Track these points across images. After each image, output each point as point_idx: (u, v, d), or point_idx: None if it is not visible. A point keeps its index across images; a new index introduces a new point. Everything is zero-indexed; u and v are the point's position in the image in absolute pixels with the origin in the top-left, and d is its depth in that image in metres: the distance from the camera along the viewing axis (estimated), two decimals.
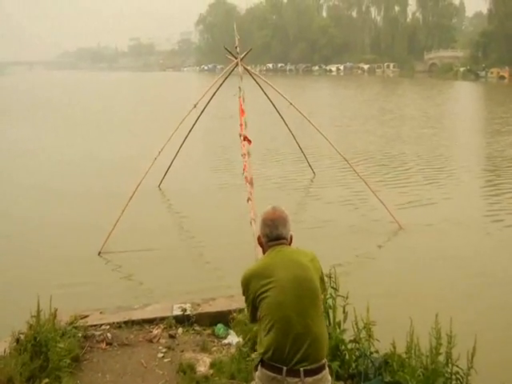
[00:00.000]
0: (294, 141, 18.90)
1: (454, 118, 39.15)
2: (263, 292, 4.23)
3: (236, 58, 15.27)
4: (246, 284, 4.35)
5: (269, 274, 4.25)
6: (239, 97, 13.52)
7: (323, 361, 4.27)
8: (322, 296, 4.54)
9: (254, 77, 16.11)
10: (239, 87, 13.71)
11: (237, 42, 15.35)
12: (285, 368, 4.13)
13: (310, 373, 4.14)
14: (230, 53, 15.60)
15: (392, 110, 44.51)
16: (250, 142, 12.51)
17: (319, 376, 4.19)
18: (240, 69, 14.83)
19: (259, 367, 4.30)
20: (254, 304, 4.39)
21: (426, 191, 17.97)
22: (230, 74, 15.70)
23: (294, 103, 14.90)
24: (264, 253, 4.49)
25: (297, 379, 4.12)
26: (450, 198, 17.26)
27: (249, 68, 15.65)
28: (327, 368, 4.31)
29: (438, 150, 25.80)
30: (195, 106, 15.49)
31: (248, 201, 11.52)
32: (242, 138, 12.67)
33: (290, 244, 4.47)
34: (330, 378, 4.34)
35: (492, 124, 34.75)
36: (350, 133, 31.36)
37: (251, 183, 11.84)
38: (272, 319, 4.20)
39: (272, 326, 4.19)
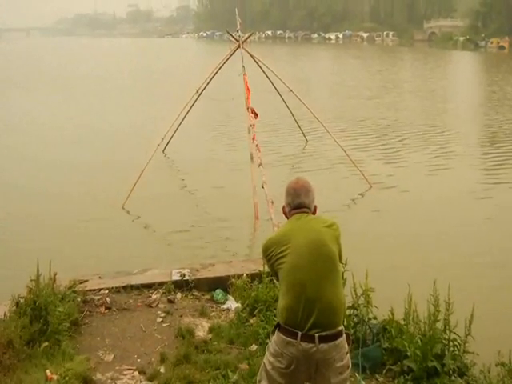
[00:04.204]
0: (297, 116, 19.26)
1: (475, 92, 38.44)
2: (281, 258, 4.26)
3: (237, 41, 15.50)
4: (266, 251, 4.39)
5: (287, 241, 4.28)
6: (244, 74, 14.26)
7: (339, 328, 4.25)
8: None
9: (256, 60, 16.25)
10: (243, 66, 14.45)
11: (238, 26, 15.66)
12: (300, 333, 4.13)
13: (325, 339, 4.14)
14: (232, 36, 15.94)
15: (407, 80, 43.98)
16: (256, 115, 13.21)
17: (335, 343, 4.18)
18: (242, 51, 15.13)
19: (276, 331, 4.32)
20: (274, 271, 4.45)
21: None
22: (230, 56, 15.84)
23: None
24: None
25: (311, 345, 4.12)
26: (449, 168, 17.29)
27: (250, 51, 15.80)
28: (344, 335, 4.29)
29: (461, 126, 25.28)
30: (197, 92, 15.77)
31: (260, 166, 12.39)
32: (249, 110, 13.32)
33: (313, 214, 4.48)
34: (346, 346, 4.31)
35: None
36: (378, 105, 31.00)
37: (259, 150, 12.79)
38: (287, 283, 4.23)
39: (287, 290, 4.22)
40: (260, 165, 12.48)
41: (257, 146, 12.81)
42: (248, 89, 13.83)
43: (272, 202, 11.12)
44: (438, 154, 18.99)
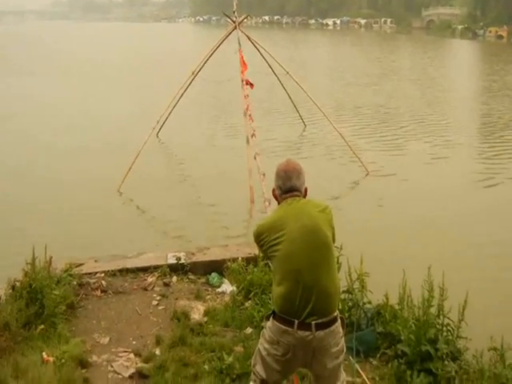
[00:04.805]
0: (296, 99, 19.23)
1: (475, 81, 38.18)
2: (274, 245, 4.20)
3: (234, 22, 15.43)
4: (258, 237, 4.34)
5: (280, 228, 4.21)
6: (239, 49, 14.22)
7: (335, 314, 4.25)
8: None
9: (253, 41, 16.22)
10: (239, 43, 14.41)
11: (235, 7, 15.52)
12: (296, 321, 4.11)
13: (321, 326, 4.13)
14: (228, 17, 15.88)
15: (406, 68, 43.71)
16: (252, 85, 13.43)
17: (331, 329, 4.18)
18: (238, 32, 15.08)
19: (271, 319, 4.30)
20: (267, 257, 4.45)
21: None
22: (226, 37, 15.77)
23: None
24: (279, 205, 4.46)
25: (308, 333, 4.11)
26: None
27: (246, 32, 15.73)
28: (339, 320, 4.29)
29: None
30: (193, 73, 15.69)
31: (252, 136, 12.46)
32: (244, 82, 13.40)
33: (304, 197, 4.41)
34: (341, 330, 4.31)
35: None
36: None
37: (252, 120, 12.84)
38: (282, 272, 4.19)
39: (282, 279, 4.18)
40: (253, 135, 12.52)
41: (250, 115, 12.84)
42: (244, 63, 13.83)
43: (264, 175, 11.16)
44: (438, 142, 18.98)
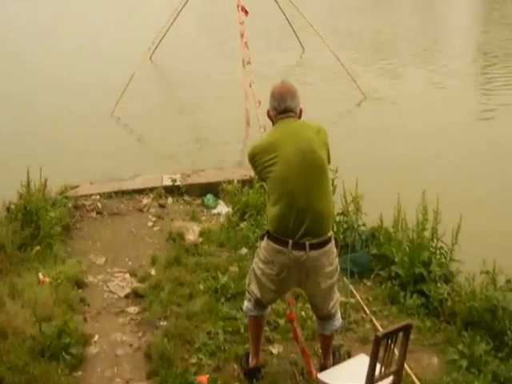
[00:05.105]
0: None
1: (475, 8, 36.86)
2: (268, 166, 4.19)
3: None
4: (252, 159, 4.32)
5: (274, 149, 4.19)
6: None
7: (329, 234, 4.28)
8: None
9: None
10: None
11: None
12: (290, 241, 4.13)
13: (315, 246, 4.15)
14: None
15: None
16: (247, 13, 12.99)
17: (324, 249, 4.21)
18: None
19: (265, 238, 4.32)
20: (261, 178, 4.47)
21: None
22: None
23: None
24: (273, 126, 4.43)
25: (302, 252, 4.13)
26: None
27: None
28: (333, 241, 4.33)
29: None
30: None
31: (248, 63, 12.11)
32: (239, 8, 13.02)
33: (299, 117, 4.38)
34: (335, 250, 4.35)
35: None
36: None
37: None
38: (277, 193, 4.19)
39: (277, 200, 4.18)
40: (248, 63, 12.21)
41: (246, 43, 12.51)
42: None
43: (259, 102, 11.03)
44: (439, 71, 18.40)
